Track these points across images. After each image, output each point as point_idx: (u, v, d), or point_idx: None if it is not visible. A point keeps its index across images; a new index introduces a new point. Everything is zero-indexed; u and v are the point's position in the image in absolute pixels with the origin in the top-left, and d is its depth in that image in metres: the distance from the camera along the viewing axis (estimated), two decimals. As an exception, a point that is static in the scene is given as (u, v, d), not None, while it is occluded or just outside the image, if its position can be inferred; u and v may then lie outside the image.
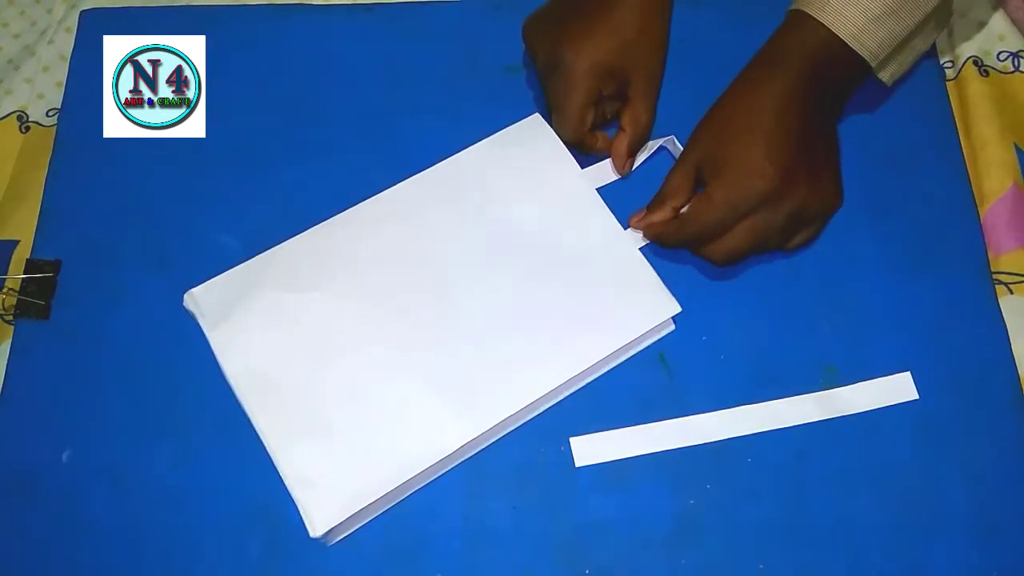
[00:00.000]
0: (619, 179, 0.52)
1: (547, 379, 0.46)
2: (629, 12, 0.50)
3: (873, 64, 0.48)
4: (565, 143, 0.52)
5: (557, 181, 0.51)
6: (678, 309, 0.48)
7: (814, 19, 0.47)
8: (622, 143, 0.52)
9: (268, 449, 0.45)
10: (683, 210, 0.49)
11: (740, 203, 0.46)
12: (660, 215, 0.50)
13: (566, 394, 0.48)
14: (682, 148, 0.51)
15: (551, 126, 0.52)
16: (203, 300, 0.48)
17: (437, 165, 0.52)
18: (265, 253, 0.50)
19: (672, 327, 0.49)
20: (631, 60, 0.50)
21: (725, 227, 0.47)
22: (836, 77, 0.48)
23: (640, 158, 0.53)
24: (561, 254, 0.50)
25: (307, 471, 0.44)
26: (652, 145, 0.53)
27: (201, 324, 0.48)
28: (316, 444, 0.45)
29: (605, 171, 0.52)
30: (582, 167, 0.52)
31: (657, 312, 0.48)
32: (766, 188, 0.46)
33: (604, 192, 0.52)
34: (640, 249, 0.50)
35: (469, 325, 0.48)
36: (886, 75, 0.50)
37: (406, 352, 0.47)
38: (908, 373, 0.48)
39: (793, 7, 0.49)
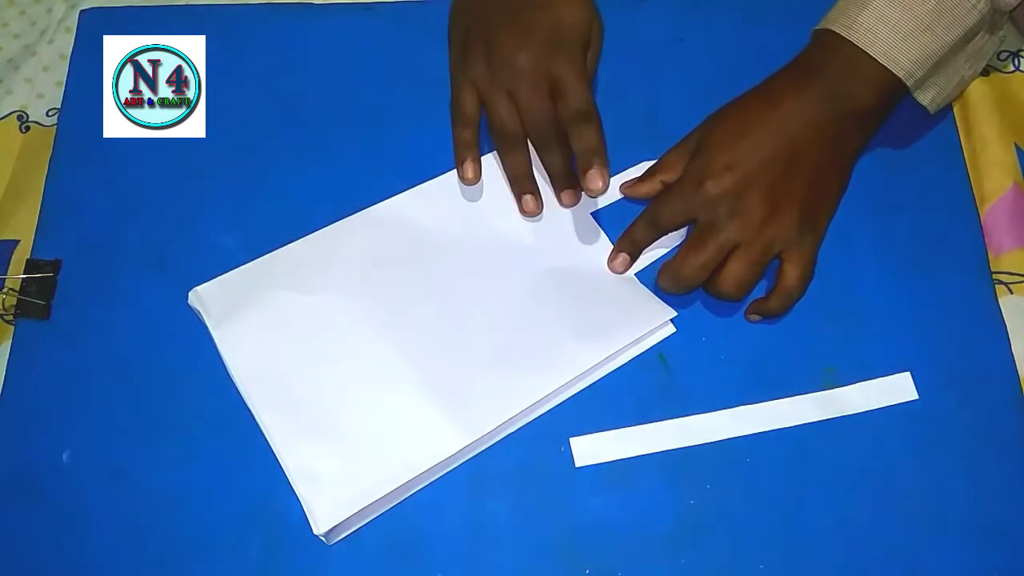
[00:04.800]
0: (612, 203, 0.52)
1: (545, 383, 0.47)
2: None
3: (909, 83, 0.47)
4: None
5: (554, 202, 0.51)
6: (673, 313, 0.49)
7: (843, 38, 0.46)
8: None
9: (272, 445, 0.45)
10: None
11: (689, 193, 0.47)
12: (647, 186, 0.51)
13: (565, 396, 0.48)
14: None
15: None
16: (208, 297, 0.48)
17: (440, 176, 0.52)
18: (271, 254, 0.50)
19: (672, 329, 0.49)
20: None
21: (676, 213, 0.48)
22: (868, 97, 0.47)
23: (632, 172, 0.53)
24: (558, 270, 0.50)
25: (312, 468, 0.45)
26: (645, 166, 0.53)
27: (206, 321, 0.48)
28: (321, 442, 0.45)
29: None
30: None
31: (653, 316, 0.48)
32: (713, 192, 0.46)
33: (599, 213, 0.52)
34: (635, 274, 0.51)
35: (470, 330, 0.48)
36: (926, 98, 0.49)
37: (409, 355, 0.47)
38: (908, 373, 0.48)
39: (820, 27, 0.49)
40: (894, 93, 0.48)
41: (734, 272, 0.47)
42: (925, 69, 0.47)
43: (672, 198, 0.48)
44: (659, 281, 0.49)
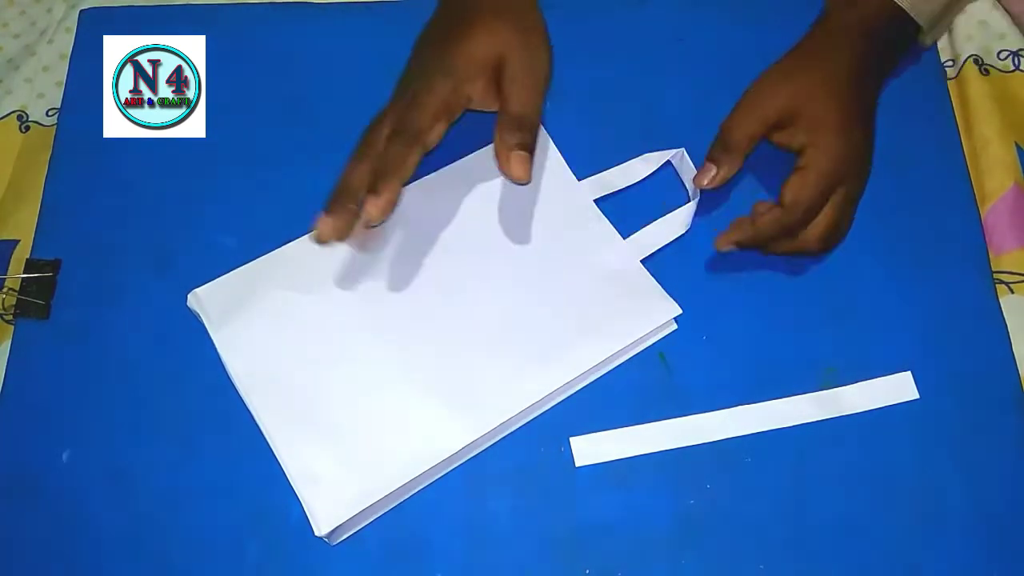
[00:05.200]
0: (617, 192, 0.52)
1: (548, 381, 0.47)
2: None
3: (926, 28, 0.50)
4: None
5: (556, 193, 0.51)
6: (679, 311, 0.48)
7: None
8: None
9: (273, 447, 0.45)
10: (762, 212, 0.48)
11: (833, 171, 0.47)
12: (739, 233, 0.48)
13: (566, 395, 0.48)
14: (692, 163, 0.51)
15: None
16: (207, 299, 0.48)
17: (439, 171, 0.52)
18: (269, 254, 0.50)
19: (674, 327, 0.49)
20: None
21: (822, 200, 0.47)
22: (889, 45, 0.50)
23: (643, 171, 0.52)
24: (561, 262, 0.50)
25: (313, 469, 0.45)
26: (658, 158, 0.52)
27: (205, 323, 0.48)
28: (322, 443, 0.45)
29: (602, 183, 0.52)
30: (579, 179, 0.52)
31: (657, 314, 0.48)
32: (852, 154, 0.47)
33: (602, 204, 0.52)
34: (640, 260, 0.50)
35: (472, 328, 0.48)
36: (928, 39, 0.52)
37: (410, 354, 0.47)
38: (908, 373, 0.48)
39: None
40: (908, 39, 0.51)
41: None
42: (938, 15, 0.50)
43: (810, 188, 0.47)
44: (732, 236, 0.48)
